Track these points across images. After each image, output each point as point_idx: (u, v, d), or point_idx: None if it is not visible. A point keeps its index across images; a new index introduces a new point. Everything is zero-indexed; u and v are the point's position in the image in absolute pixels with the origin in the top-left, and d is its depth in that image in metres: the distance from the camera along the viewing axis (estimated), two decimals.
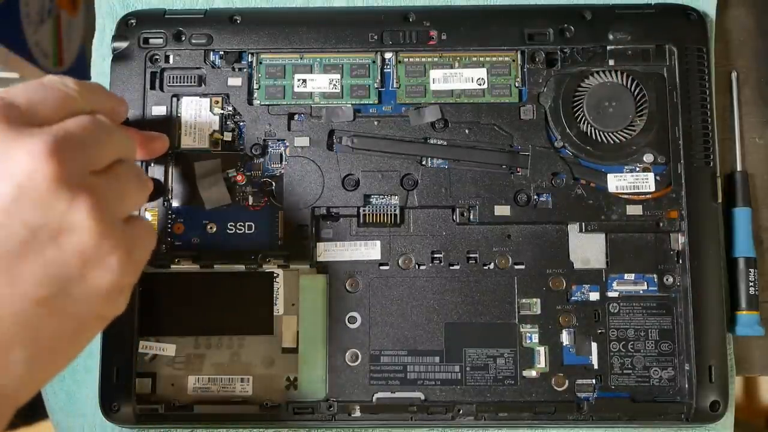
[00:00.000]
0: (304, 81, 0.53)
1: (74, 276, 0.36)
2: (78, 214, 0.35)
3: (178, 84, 0.53)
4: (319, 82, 0.53)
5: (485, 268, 0.51)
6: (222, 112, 0.53)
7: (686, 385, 0.50)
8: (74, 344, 0.39)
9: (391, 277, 0.51)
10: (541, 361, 0.50)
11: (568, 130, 0.52)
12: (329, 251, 0.51)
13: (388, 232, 0.52)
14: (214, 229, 0.51)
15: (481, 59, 0.53)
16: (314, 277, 0.51)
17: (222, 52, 0.53)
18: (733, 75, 0.56)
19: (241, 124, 0.52)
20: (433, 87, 0.53)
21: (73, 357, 0.39)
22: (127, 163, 0.41)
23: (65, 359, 0.39)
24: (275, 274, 0.52)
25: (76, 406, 0.53)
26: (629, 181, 0.51)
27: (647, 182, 0.51)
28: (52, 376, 0.38)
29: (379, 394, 0.50)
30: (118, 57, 0.53)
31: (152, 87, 0.53)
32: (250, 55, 0.53)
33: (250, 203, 0.52)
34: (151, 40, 0.53)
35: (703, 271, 0.50)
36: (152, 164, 0.51)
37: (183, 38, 0.53)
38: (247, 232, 0.51)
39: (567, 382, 0.50)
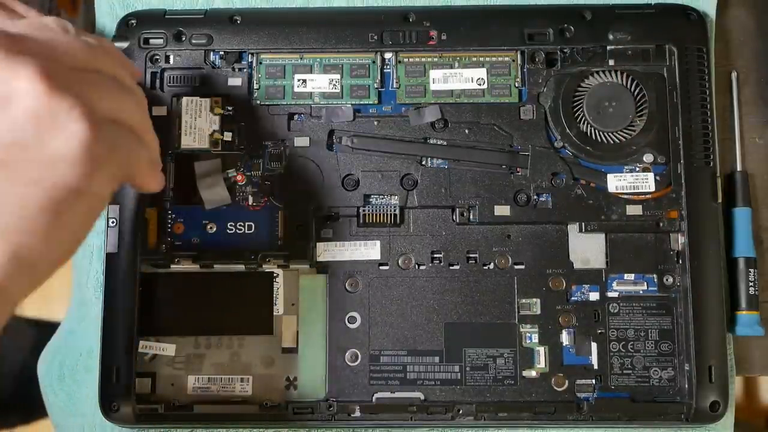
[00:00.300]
0: (304, 81, 0.53)
1: (29, 140, 0.34)
2: (23, 77, 0.34)
3: (179, 84, 0.53)
4: (319, 82, 0.53)
5: (485, 268, 0.51)
6: (222, 112, 0.52)
7: (686, 386, 0.50)
8: (49, 229, 0.35)
9: (391, 277, 0.51)
10: (541, 361, 0.50)
11: (568, 130, 0.52)
12: (329, 251, 0.51)
13: (388, 232, 0.52)
14: (214, 229, 0.51)
15: (481, 59, 0.53)
16: (314, 277, 0.51)
17: (222, 53, 0.53)
18: (733, 75, 0.56)
19: (241, 124, 0.52)
20: (433, 87, 0.53)
21: (53, 248, 0.36)
22: (114, 77, 0.39)
23: (51, 240, 0.35)
24: (275, 274, 0.52)
25: (76, 406, 0.53)
26: (629, 181, 0.51)
27: (647, 182, 0.51)
28: (35, 263, 0.35)
29: (379, 394, 0.50)
30: None
31: (152, 87, 0.53)
32: (250, 56, 0.53)
33: (250, 203, 0.52)
34: (151, 41, 0.53)
35: (703, 271, 0.50)
36: None
37: (183, 38, 0.53)
38: (246, 232, 0.51)
39: (567, 382, 0.50)
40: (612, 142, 0.52)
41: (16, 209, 0.34)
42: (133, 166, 0.40)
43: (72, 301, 0.55)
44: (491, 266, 0.51)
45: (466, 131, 0.52)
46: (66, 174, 0.35)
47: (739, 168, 0.54)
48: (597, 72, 0.52)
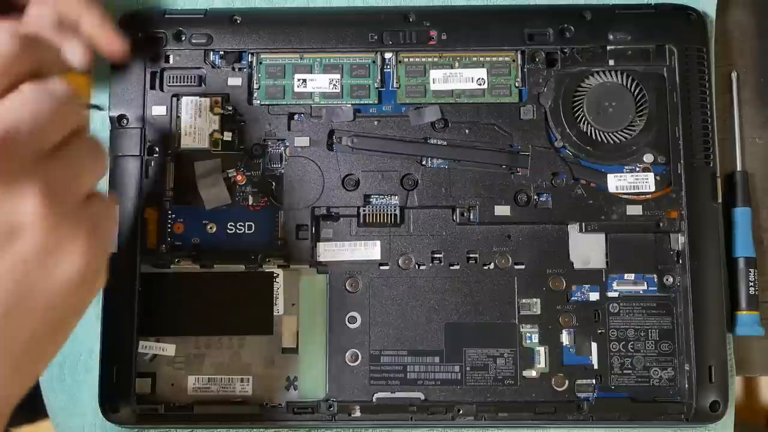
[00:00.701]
0: (304, 81, 0.53)
1: (37, 274, 0.34)
2: (27, 208, 0.33)
3: (178, 84, 0.53)
4: (319, 82, 0.53)
5: (485, 268, 0.51)
6: (222, 112, 0.52)
7: (686, 385, 0.50)
8: (55, 339, 0.37)
9: (391, 277, 0.51)
10: (541, 361, 0.50)
11: (568, 130, 0.52)
12: (329, 251, 0.51)
13: (388, 232, 0.52)
14: (214, 229, 0.51)
15: (481, 59, 0.53)
16: (314, 277, 0.51)
17: (222, 52, 0.53)
18: (733, 75, 0.56)
19: (242, 124, 0.52)
20: (433, 87, 0.53)
21: (57, 350, 0.38)
22: (80, 136, 0.37)
23: (49, 355, 0.37)
24: (275, 274, 0.52)
25: (77, 406, 0.53)
26: (629, 181, 0.51)
27: (647, 182, 0.51)
28: (38, 373, 0.38)
29: (379, 394, 0.50)
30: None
31: (152, 87, 0.52)
32: (250, 55, 0.53)
33: (250, 203, 0.52)
34: (151, 40, 0.53)
35: (703, 271, 0.50)
36: (152, 164, 0.51)
37: (183, 38, 0.53)
38: (247, 232, 0.51)
39: (567, 382, 0.50)
40: (612, 142, 0.52)
41: (25, 346, 0.35)
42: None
43: None
44: (491, 266, 0.51)
45: (467, 131, 0.52)
46: (72, 296, 0.36)
47: (739, 168, 0.54)
48: (597, 72, 0.52)
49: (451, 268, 0.51)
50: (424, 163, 0.52)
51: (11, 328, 0.34)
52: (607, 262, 0.51)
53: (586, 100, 0.52)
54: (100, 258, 0.37)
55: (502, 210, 0.51)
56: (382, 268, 0.51)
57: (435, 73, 0.53)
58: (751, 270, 0.52)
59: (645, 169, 0.52)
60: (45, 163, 0.35)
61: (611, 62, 0.52)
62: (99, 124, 0.54)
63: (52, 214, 0.34)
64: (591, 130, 0.52)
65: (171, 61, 0.53)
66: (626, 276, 0.51)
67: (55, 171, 0.35)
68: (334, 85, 0.53)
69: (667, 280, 0.51)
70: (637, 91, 0.52)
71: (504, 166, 0.52)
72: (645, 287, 0.51)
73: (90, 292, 0.38)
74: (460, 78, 0.53)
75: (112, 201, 0.40)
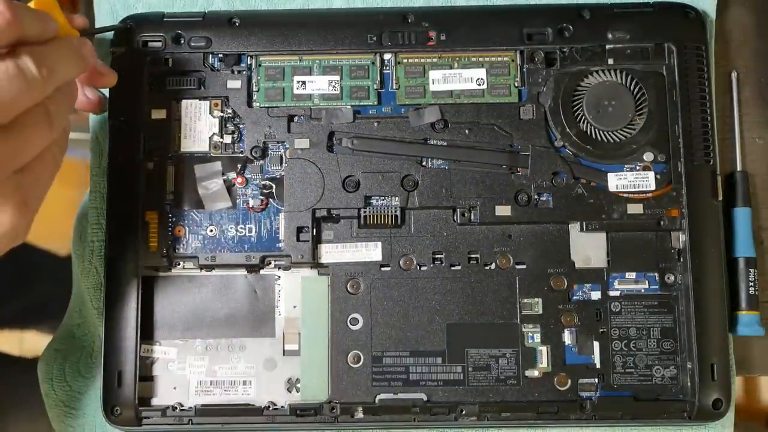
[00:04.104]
0: (304, 83, 0.53)
1: None
2: None
3: (178, 87, 0.53)
4: (319, 84, 0.53)
5: (486, 268, 0.51)
6: (222, 114, 0.52)
7: (689, 384, 0.50)
8: None
9: (393, 278, 0.51)
10: (544, 361, 0.50)
11: (567, 129, 0.52)
12: (330, 253, 0.51)
13: (389, 233, 0.51)
14: (215, 232, 0.51)
15: (481, 59, 0.53)
16: (316, 279, 0.51)
17: (221, 55, 0.53)
18: (733, 75, 0.56)
19: (241, 126, 0.52)
20: (432, 88, 0.53)
21: None
22: (34, 112, 0.39)
23: None
24: (276, 277, 0.52)
25: (77, 407, 0.53)
26: (630, 180, 0.51)
27: (647, 181, 0.51)
28: None
29: (382, 396, 0.50)
30: (118, 60, 0.52)
31: (152, 90, 0.52)
32: (249, 58, 0.53)
33: (251, 206, 0.52)
34: (150, 43, 0.53)
35: (705, 269, 0.50)
36: (152, 168, 0.51)
37: (182, 41, 0.53)
38: (248, 234, 0.51)
39: (569, 381, 0.50)
40: (612, 141, 0.52)
41: None
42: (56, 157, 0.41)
43: (72, 301, 0.55)
44: (493, 266, 0.51)
45: (466, 131, 0.52)
46: None
47: (739, 168, 0.54)
48: (596, 71, 0.52)
49: (453, 268, 0.51)
50: (424, 163, 0.52)
51: None
52: (608, 261, 0.51)
53: (585, 100, 0.52)
54: (25, 224, 0.39)
55: (503, 210, 0.51)
56: (383, 269, 0.51)
57: (434, 74, 0.53)
58: (751, 270, 0.52)
59: (645, 168, 0.52)
60: None
61: (610, 61, 0.53)
62: (99, 127, 0.54)
63: None
64: (591, 129, 0.52)
65: (170, 63, 0.53)
66: (627, 275, 0.51)
67: None
68: (334, 86, 0.53)
69: (668, 278, 0.51)
70: (636, 89, 0.52)
71: (504, 166, 0.52)
72: (646, 286, 0.51)
73: (7, 246, 0.39)
74: (460, 78, 0.53)
75: (52, 163, 0.41)
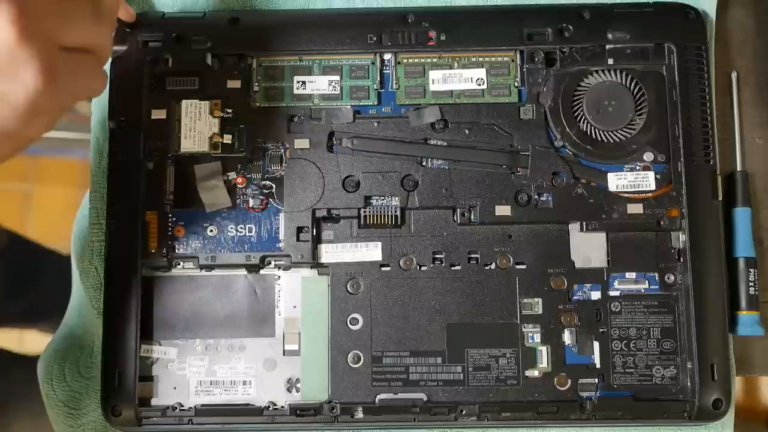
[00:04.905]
0: (304, 83, 0.53)
1: None
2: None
3: (178, 87, 0.53)
4: (319, 84, 0.53)
5: (486, 268, 0.51)
6: (222, 114, 0.52)
7: (689, 384, 0.50)
8: None
9: (393, 278, 0.51)
10: (544, 361, 0.50)
11: (567, 129, 0.52)
12: (330, 253, 0.51)
13: (389, 233, 0.51)
14: (215, 232, 0.51)
15: (480, 59, 0.53)
16: (316, 279, 0.51)
17: (221, 55, 0.53)
18: (733, 75, 0.56)
19: (241, 126, 0.52)
20: (432, 88, 0.53)
21: None
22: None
23: None
24: (276, 277, 0.52)
25: (77, 407, 0.53)
26: (630, 180, 0.51)
27: (647, 181, 0.51)
28: None
29: (382, 396, 0.50)
30: (118, 60, 0.52)
31: (152, 90, 0.52)
32: (249, 58, 0.53)
33: (251, 206, 0.52)
34: (150, 43, 0.53)
35: (705, 269, 0.50)
36: (152, 168, 0.51)
37: (182, 41, 0.53)
38: (247, 234, 0.51)
39: (569, 381, 0.50)
40: (612, 141, 0.52)
41: None
42: (83, 93, 0.42)
43: (72, 301, 0.55)
44: (492, 266, 0.51)
45: (466, 131, 0.52)
46: (6, 117, 0.37)
47: (739, 168, 0.54)
48: (596, 71, 0.52)
49: (453, 268, 0.51)
50: (424, 163, 0.52)
51: None
52: (608, 261, 0.51)
53: (585, 100, 0.52)
54: (50, 103, 0.38)
55: (503, 210, 0.51)
56: (383, 269, 0.51)
57: (434, 74, 0.53)
58: (751, 270, 0.52)
59: (645, 168, 0.52)
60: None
61: (610, 61, 0.53)
62: (99, 127, 0.54)
63: (21, 30, 0.35)
64: (591, 129, 0.52)
65: (170, 63, 0.53)
66: (627, 275, 0.51)
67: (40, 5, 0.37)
68: (334, 86, 0.53)
69: (668, 278, 0.51)
70: (636, 89, 0.52)
71: (504, 166, 0.52)
72: (646, 286, 0.51)
73: (29, 130, 0.39)
74: (460, 78, 0.53)
75: (97, 66, 0.42)
